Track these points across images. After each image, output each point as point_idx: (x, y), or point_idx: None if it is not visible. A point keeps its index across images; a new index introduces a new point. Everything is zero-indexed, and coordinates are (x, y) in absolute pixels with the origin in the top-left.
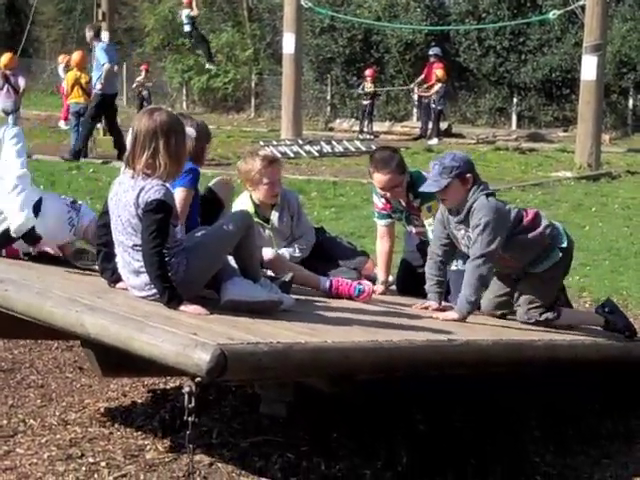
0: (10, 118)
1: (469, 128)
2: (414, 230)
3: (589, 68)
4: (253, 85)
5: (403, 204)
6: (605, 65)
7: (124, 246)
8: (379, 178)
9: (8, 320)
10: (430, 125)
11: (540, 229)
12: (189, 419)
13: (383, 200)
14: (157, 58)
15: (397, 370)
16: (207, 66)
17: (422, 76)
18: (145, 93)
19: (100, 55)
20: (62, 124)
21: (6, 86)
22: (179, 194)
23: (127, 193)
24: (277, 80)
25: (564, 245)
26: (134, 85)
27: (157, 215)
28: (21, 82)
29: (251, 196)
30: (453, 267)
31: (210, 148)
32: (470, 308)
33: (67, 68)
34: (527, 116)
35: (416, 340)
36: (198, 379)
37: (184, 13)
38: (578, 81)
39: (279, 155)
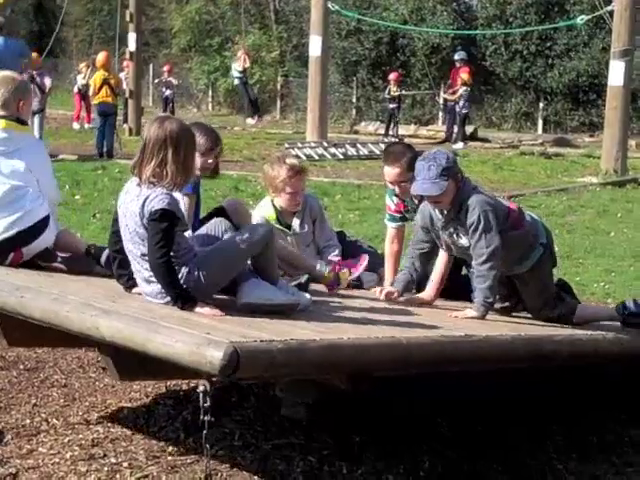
0: (36, 118)
1: (495, 132)
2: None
3: (616, 73)
4: (279, 87)
5: (416, 202)
6: (632, 71)
7: (133, 255)
8: (388, 171)
9: (26, 328)
10: (455, 129)
11: (526, 226)
12: (205, 418)
13: (396, 200)
14: (184, 59)
15: (415, 366)
16: (247, 120)
17: (450, 80)
18: (169, 93)
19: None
20: (75, 125)
21: (31, 86)
22: (182, 201)
23: (132, 202)
24: (303, 82)
25: (544, 241)
26: (156, 81)
27: (162, 224)
28: (47, 82)
29: (273, 201)
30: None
31: (220, 154)
32: (489, 308)
33: (93, 69)
34: (553, 121)
35: (434, 336)
36: (213, 378)
37: (234, 67)
38: (605, 86)
39: (304, 158)
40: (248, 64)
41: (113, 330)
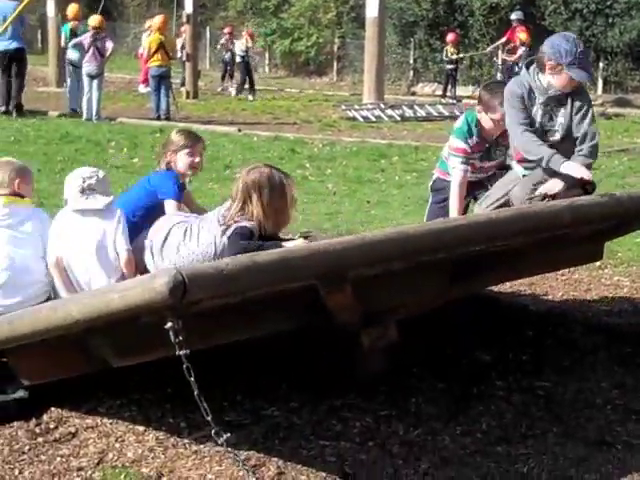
0: (95, 82)
1: None
2: (488, 165)
3: None
4: (336, 49)
5: (497, 132)
6: None
7: None
8: (499, 113)
9: (33, 358)
10: None
11: None
12: (180, 353)
13: (475, 141)
14: (240, 22)
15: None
16: (232, 93)
17: (503, 39)
18: (227, 56)
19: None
20: (141, 88)
21: (92, 48)
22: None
23: None
24: (360, 44)
25: None
26: (218, 46)
27: None
28: (108, 45)
29: None
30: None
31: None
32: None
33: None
34: (613, 81)
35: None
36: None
37: (237, 45)
38: None
39: (361, 120)
40: (251, 44)
41: (83, 309)
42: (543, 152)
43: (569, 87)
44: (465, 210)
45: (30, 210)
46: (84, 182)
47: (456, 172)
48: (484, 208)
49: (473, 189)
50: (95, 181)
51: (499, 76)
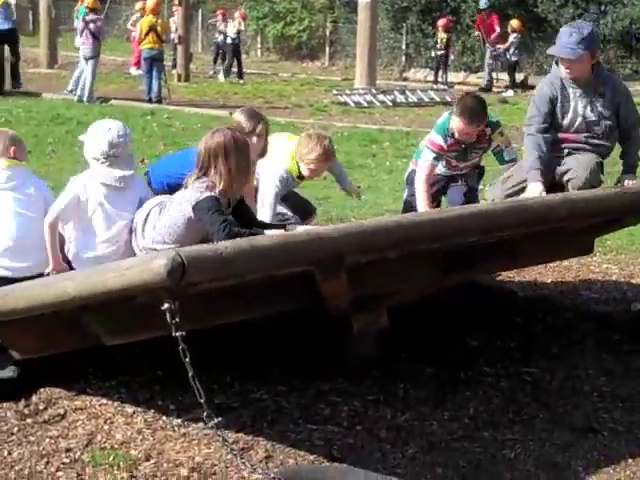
0: (89, 63)
1: None
2: (463, 165)
3: None
4: (328, 33)
5: (472, 139)
6: None
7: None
8: (469, 129)
9: (29, 332)
10: (494, 76)
11: None
12: (177, 334)
13: (451, 141)
14: (233, 5)
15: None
16: (219, 76)
17: (477, 32)
18: (220, 39)
19: None
20: (133, 70)
21: (85, 30)
22: None
23: None
24: (352, 28)
25: None
26: (210, 21)
27: None
28: (102, 29)
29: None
30: None
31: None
32: None
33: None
34: (605, 68)
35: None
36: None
37: (230, 27)
38: None
39: (353, 105)
40: (243, 27)
41: (79, 287)
42: (530, 161)
43: (566, 72)
44: (437, 200)
45: (30, 172)
46: (110, 149)
47: (424, 164)
48: (505, 189)
49: (447, 182)
50: (121, 150)
51: (489, 64)
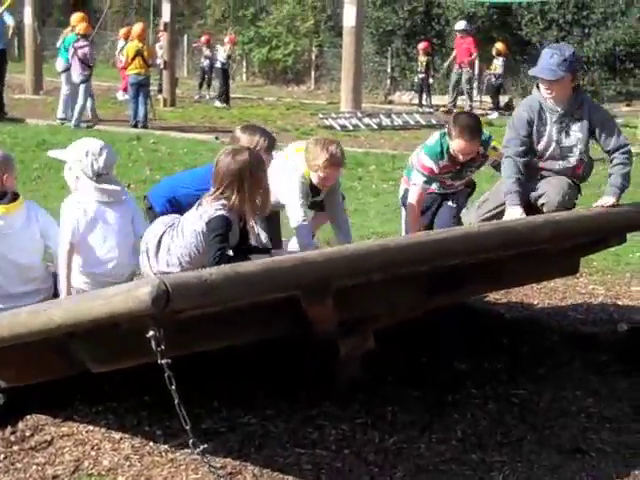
0: (81, 88)
1: None
2: (458, 183)
3: None
4: (313, 57)
5: (466, 158)
6: None
7: None
8: (468, 147)
9: (11, 361)
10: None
11: None
12: (162, 362)
13: (444, 163)
14: (218, 30)
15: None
16: (215, 103)
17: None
18: (206, 64)
19: None
20: (120, 95)
21: (75, 57)
22: None
23: None
24: (337, 53)
25: None
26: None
27: None
28: (91, 56)
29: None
30: None
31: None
32: (622, 193)
33: (126, 40)
34: (590, 90)
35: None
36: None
37: (220, 52)
38: None
39: (338, 129)
40: (233, 52)
41: (65, 315)
42: (508, 184)
43: (547, 93)
44: (431, 218)
45: (24, 211)
46: (94, 165)
47: (415, 189)
48: (480, 214)
49: (441, 200)
50: (103, 163)
51: (465, 87)
